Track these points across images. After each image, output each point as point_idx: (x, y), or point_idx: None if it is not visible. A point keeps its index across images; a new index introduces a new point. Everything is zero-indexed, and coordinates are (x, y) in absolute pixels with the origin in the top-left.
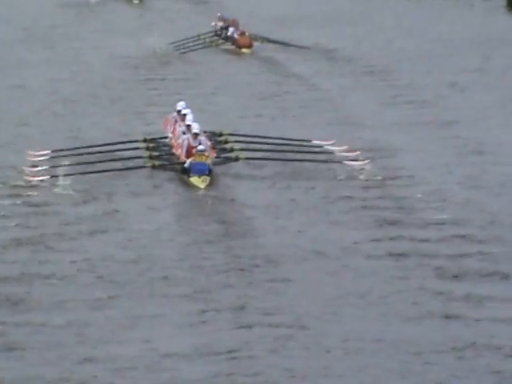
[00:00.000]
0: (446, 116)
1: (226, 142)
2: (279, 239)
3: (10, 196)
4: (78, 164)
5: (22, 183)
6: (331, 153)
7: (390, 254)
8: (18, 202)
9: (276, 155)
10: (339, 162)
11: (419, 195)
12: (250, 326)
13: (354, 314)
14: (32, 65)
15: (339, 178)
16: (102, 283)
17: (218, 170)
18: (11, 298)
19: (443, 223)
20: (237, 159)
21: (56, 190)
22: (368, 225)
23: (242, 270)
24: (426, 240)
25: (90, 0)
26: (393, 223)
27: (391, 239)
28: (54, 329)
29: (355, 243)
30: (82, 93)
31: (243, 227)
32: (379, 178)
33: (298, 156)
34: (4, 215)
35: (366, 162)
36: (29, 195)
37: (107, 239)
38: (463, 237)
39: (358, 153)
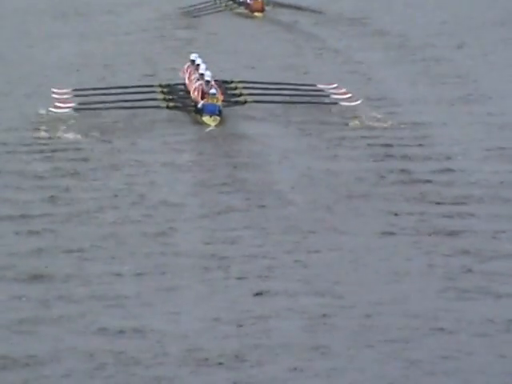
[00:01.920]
0: (475, 91)
1: (236, 88)
2: (282, 171)
3: (35, 129)
4: (97, 102)
5: (46, 116)
6: (330, 95)
7: (393, 183)
8: (43, 133)
9: (280, 98)
10: (336, 103)
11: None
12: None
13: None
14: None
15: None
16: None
17: (227, 111)
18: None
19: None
20: (245, 102)
21: (75, 122)
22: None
23: (258, 206)
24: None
25: None
26: (400, 157)
27: (392, 171)
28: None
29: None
30: (107, 50)
31: (249, 160)
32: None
33: (303, 99)
34: (30, 147)
35: (358, 102)
36: (53, 127)
37: (125, 173)
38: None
39: (350, 95)
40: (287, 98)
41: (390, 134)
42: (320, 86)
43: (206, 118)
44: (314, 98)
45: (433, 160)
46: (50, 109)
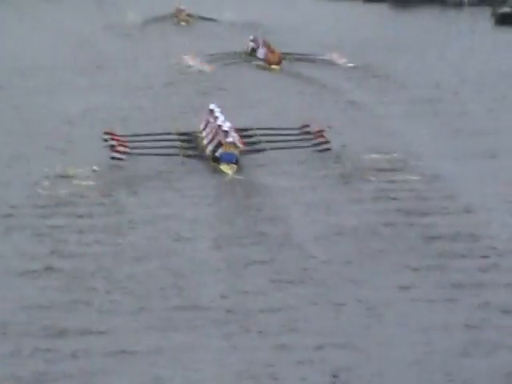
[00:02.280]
0: (497, 144)
1: (254, 135)
2: (294, 216)
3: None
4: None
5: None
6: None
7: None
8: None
9: (294, 144)
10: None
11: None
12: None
13: None
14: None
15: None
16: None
17: (246, 159)
18: None
19: None
20: (263, 150)
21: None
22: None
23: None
24: None
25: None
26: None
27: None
28: None
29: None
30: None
31: (263, 204)
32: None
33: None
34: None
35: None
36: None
37: (145, 227)
38: None
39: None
40: (299, 144)
41: (410, 186)
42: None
43: (223, 167)
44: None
45: (454, 213)
46: (112, 154)
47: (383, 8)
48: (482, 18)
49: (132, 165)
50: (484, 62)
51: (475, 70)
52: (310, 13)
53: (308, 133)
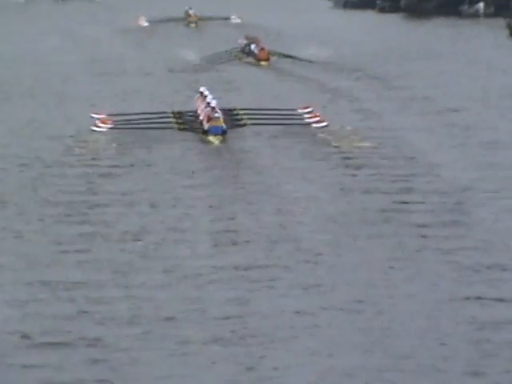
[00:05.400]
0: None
1: (238, 114)
2: (275, 176)
3: (78, 141)
4: (125, 123)
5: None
6: (304, 118)
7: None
8: (82, 145)
9: (272, 121)
10: (308, 124)
11: None
12: None
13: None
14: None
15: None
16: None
17: (230, 133)
18: None
19: None
20: (244, 125)
21: (108, 138)
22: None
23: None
24: None
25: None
26: None
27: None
28: None
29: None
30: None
31: (247, 167)
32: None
33: (287, 121)
34: (72, 154)
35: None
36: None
37: (142, 177)
38: None
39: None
40: (276, 121)
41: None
42: (299, 111)
43: (211, 138)
44: (294, 121)
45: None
46: (92, 128)
47: (398, 18)
48: (498, 29)
49: (128, 136)
50: (500, 75)
51: (493, 83)
52: (325, 21)
53: (297, 113)
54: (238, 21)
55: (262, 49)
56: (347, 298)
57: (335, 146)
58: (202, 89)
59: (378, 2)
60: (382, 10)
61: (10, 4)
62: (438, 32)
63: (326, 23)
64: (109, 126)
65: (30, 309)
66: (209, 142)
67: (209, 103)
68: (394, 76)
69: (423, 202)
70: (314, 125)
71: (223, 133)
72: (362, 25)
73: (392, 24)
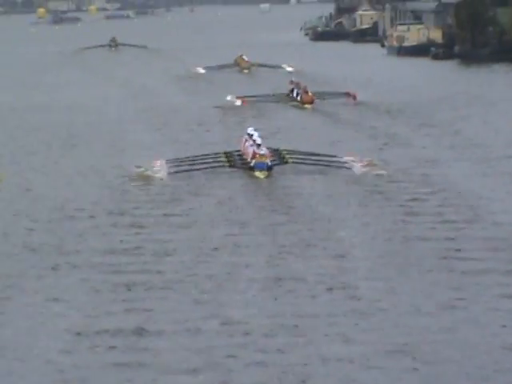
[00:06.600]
0: None
1: (281, 153)
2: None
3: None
4: (181, 166)
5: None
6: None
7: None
8: (142, 188)
9: (312, 161)
10: (350, 168)
11: None
12: None
13: None
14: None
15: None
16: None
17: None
18: None
19: None
20: (286, 162)
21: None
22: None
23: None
24: None
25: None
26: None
27: None
28: None
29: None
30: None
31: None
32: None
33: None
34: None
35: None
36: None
37: (199, 211)
38: None
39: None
40: (316, 162)
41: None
42: (345, 158)
43: (256, 173)
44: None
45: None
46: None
47: (452, 65)
48: None
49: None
50: None
51: None
52: (380, 68)
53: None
54: (290, 69)
55: (306, 92)
56: (400, 344)
57: (385, 192)
58: (249, 130)
59: (431, 48)
60: (436, 57)
61: (65, 52)
62: (492, 79)
63: (380, 70)
64: (167, 169)
65: None
66: (255, 178)
67: (255, 141)
68: (449, 122)
69: (481, 249)
70: (363, 169)
71: (269, 169)
72: (416, 71)
73: (446, 71)
